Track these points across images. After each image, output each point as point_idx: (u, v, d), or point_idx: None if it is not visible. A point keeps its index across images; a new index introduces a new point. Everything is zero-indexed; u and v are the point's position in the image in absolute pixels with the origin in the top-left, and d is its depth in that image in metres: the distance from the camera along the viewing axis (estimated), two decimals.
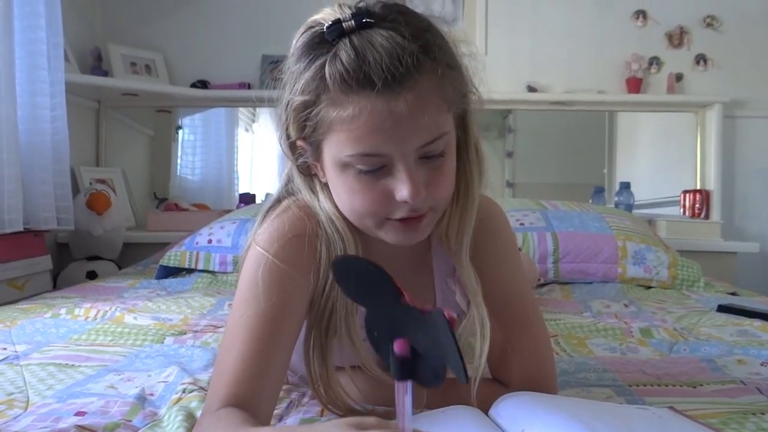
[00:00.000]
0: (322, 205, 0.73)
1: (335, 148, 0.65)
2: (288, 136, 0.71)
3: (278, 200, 0.78)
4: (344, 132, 0.63)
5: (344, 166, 0.66)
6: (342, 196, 0.68)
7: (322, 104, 0.64)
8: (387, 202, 0.66)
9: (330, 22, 0.63)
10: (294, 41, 0.68)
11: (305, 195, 0.74)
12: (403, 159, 0.63)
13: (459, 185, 0.73)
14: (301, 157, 0.72)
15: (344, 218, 0.72)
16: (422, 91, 0.62)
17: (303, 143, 0.70)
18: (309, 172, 0.74)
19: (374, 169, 0.64)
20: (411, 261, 0.81)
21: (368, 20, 0.62)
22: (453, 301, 0.80)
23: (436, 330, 0.46)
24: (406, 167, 0.64)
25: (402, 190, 0.64)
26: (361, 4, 0.65)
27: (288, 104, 0.68)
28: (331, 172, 0.68)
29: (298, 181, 0.75)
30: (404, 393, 0.47)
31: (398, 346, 0.47)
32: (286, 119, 0.69)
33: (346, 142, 0.63)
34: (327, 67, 0.62)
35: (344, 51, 0.61)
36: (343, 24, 0.62)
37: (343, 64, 0.61)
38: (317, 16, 0.67)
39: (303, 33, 0.67)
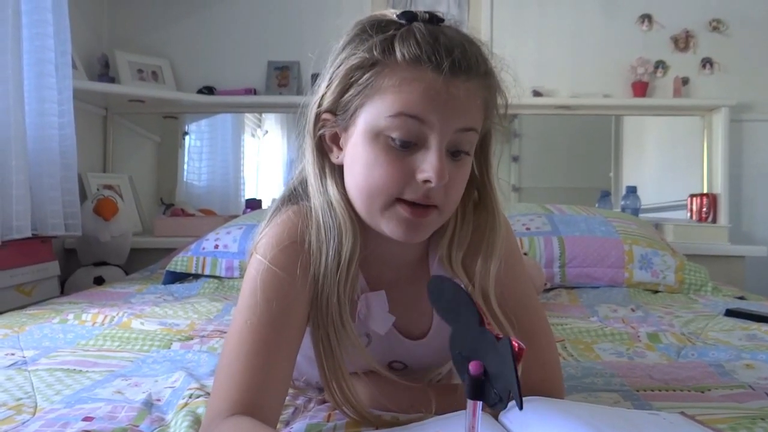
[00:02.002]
0: (327, 188, 0.73)
1: (376, 111, 0.66)
2: (320, 104, 0.71)
3: (282, 203, 0.78)
4: (394, 94, 0.65)
5: (376, 135, 0.66)
6: (360, 169, 0.68)
7: (380, 68, 0.66)
8: (406, 179, 0.66)
9: (401, 11, 0.68)
10: (351, 27, 0.71)
11: (311, 177, 0.74)
12: (438, 136, 0.65)
13: (466, 205, 0.74)
14: (322, 129, 0.72)
15: (346, 205, 0.71)
16: (475, 86, 0.67)
17: (330, 116, 0.71)
18: (322, 151, 0.74)
19: (407, 141, 0.66)
20: (408, 272, 0.80)
21: (440, 17, 0.68)
22: None
23: (504, 357, 0.49)
24: (439, 147, 0.65)
25: (428, 170, 0.65)
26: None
27: (341, 65, 0.69)
28: (357, 143, 0.68)
29: (309, 160, 0.74)
30: (474, 411, 0.50)
31: (473, 367, 0.50)
32: (329, 83, 0.70)
33: (392, 103, 0.65)
34: (398, 39, 0.66)
35: (419, 30, 0.66)
36: (417, 13, 0.68)
37: (416, 38, 0.65)
38: (383, 11, 0.71)
39: (365, 20, 0.70)
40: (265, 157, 2.91)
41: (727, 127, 2.54)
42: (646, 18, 2.66)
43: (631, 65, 2.63)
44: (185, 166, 2.86)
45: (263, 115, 2.89)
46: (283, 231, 0.72)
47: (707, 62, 2.64)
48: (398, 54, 0.65)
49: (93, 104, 2.61)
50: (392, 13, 0.69)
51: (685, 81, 2.63)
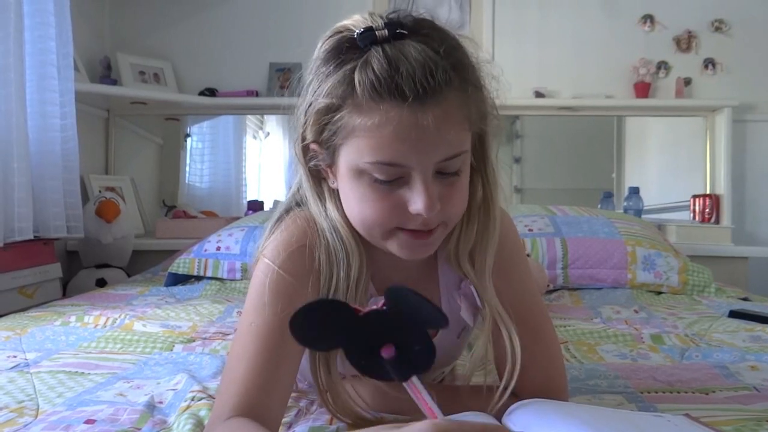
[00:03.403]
0: (328, 212, 0.72)
1: (354, 155, 0.64)
2: (303, 139, 0.70)
3: (286, 211, 0.78)
4: (366, 139, 0.62)
5: (360, 173, 0.65)
6: (353, 204, 0.68)
7: (347, 109, 0.63)
8: (399, 213, 0.65)
9: (362, 29, 0.63)
10: (320, 44, 0.68)
11: (311, 202, 0.74)
12: (421, 172, 0.63)
13: (472, 205, 0.73)
14: (313, 161, 0.71)
15: (350, 227, 0.71)
16: (449, 106, 0.62)
17: (317, 147, 0.69)
18: (318, 177, 0.73)
19: (390, 179, 0.64)
20: (416, 274, 0.80)
21: (401, 31, 0.62)
22: (459, 315, 0.79)
23: (400, 310, 0.48)
24: (424, 180, 0.63)
25: (417, 203, 0.64)
26: (392, 15, 0.65)
27: (310, 106, 0.67)
28: (344, 179, 0.68)
29: (306, 187, 0.74)
30: (417, 388, 0.49)
31: (385, 352, 0.49)
32: (305, 122, 0.68)
33: (366, 149, 0.63)
34: (357, 73, 0.61)
35: (376, 59, 0.61)
36: (376, 32, 0.62)
37: (374, 71, 0.60)
38: (346, 22, 0.66)
39: (331, 36, 0.67)
40: (266, 159, 2.91)
41: (730, 128, 2.54)
42: (648, 18, 2.65)
43: (633, 66, 2.63)
44: (187, 168, 2.87)
45: (265, 116, 2.89)
46: (291, 235, 0.72)
47: (709, 63, 2.63)
48: (359, 92, 0.61)
49: (95, 106, 2.61)
50: (354, 29, 0.64)
51: (688, 81, 2.63)
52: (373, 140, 0.62)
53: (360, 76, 0.61)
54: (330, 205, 0.73)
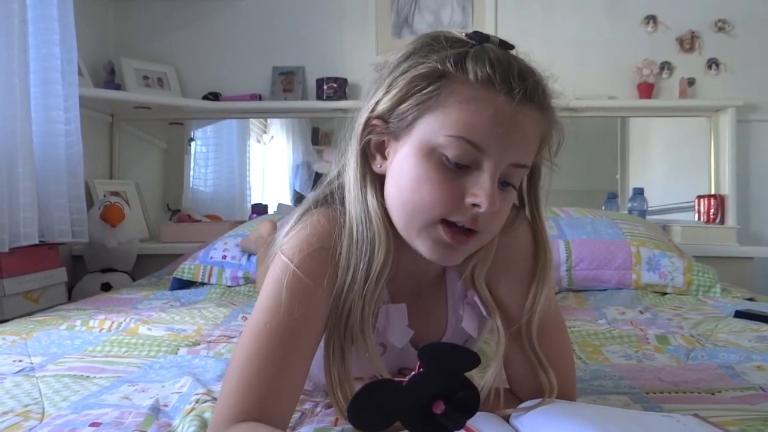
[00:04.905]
0: (367, 197, 0.71)
1: (435, 126, 0.64)
2: (373, 109, 0.69)
3: (314, 204, 0.76)
4: (461, 113, 0.63)
5: (431, 151, 0.65)
6: (408, 183, 0.66)
7: (450, 80, 0.64)
8: (454, 201, 0.65)
9: (472, 32, 0.67)
10: (416, 40, 0.70)
11: (351, 182, 0.72)
12: (493, 165, 0.64)
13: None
14: (369, 135, 0.70)
15: (384, 217, 0.70)
16: (537, 118, 0.66)
17: (381, 122, 0.69)
18: (366, 158, 0.72)
19: (460, 164, 0.64)
20: (429, 283, 0.81)
21: (510, 44, 0.68)
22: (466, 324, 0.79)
23: (436, 366, 0.51)
24: (493, 174, 0.64)
25: (479, 195, 0.64)
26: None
27: (405, 72, 0.67)
28: (408, 155, 0.67)
29: (352, 166, 0.72)
30: (472, 429, 0.52)
31: (436, 408, 0.50)
32: (389, 87, 0.68)
33: (456, 123, 0.63)
34: (471, 56, 0.64)
35: (492, 51, 0.65)
36: (490, 36, 0.67)
37: (491, 59, 0.63)
38: (449, 29, 0.69)
39: (431, 34, 0.69)
40: (270, 163, 2.91)
41: (734, 128, 2.53)
42: (651, 19, 2.65)
43: (636, 67, 2.62)
44: (191, 172, 2.87)
45: (268, 120, 2.90)
46: (313, 235, 0.71)
47: (713, 63, 2.62)
48: (470, 71, 0.63)
49: (99, 111, 2.62)
50: (460, 33, 0.67)
51: (691, 82, 2.62)
52: (465, 114, 0.63)
53: (474, 59, 0.64)
54: (369, 191, 0.71)
